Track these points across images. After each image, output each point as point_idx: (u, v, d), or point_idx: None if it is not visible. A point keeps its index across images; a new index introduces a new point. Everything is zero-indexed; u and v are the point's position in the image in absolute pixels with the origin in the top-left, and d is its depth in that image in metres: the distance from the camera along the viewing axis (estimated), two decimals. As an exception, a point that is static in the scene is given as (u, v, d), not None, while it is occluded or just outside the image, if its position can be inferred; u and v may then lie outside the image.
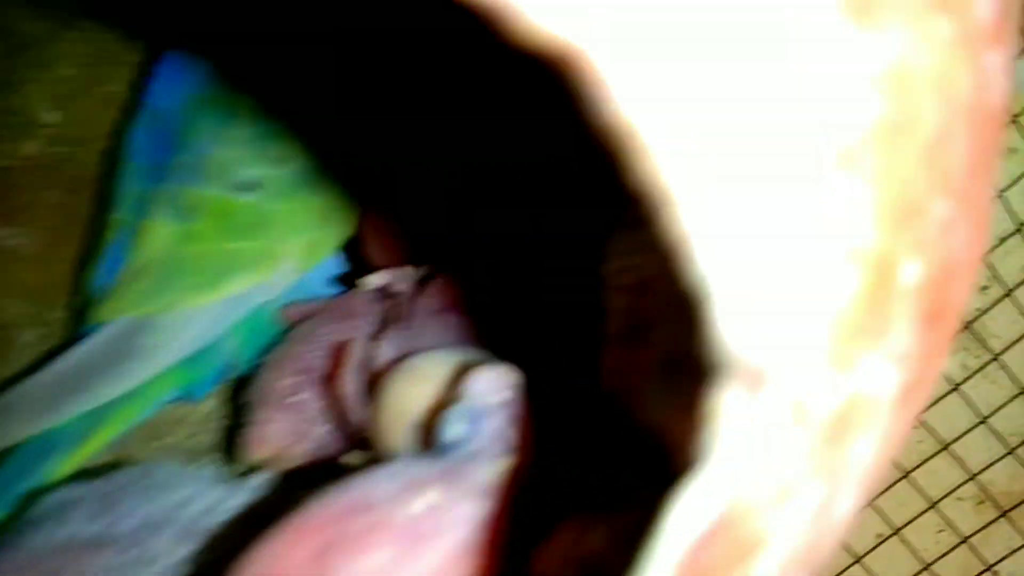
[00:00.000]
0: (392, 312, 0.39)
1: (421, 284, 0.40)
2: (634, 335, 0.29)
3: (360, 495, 0.24)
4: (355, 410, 0.35)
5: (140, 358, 0.44)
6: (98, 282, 0.47)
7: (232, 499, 0.34)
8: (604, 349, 0.30)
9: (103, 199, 0.50)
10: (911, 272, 0.14)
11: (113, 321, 0.45)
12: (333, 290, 0.50)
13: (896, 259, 0.14)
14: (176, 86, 0.48)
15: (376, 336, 0.38)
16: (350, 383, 0.36)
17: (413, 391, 0.31)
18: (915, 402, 0.17)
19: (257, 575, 0.23)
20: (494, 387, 0.27)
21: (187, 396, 0.48)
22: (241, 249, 0.45)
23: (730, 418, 0.12)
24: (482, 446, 0.26)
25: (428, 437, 0.28)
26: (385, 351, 0.37)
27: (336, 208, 0.47)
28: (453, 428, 0.26)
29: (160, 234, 0.45)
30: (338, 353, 0.38)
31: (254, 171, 0.45)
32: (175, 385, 0.46)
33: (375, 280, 0.40)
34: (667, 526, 0.13)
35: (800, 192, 0.13)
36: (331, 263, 0.49)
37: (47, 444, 0.43)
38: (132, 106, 0.52)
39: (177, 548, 0.31)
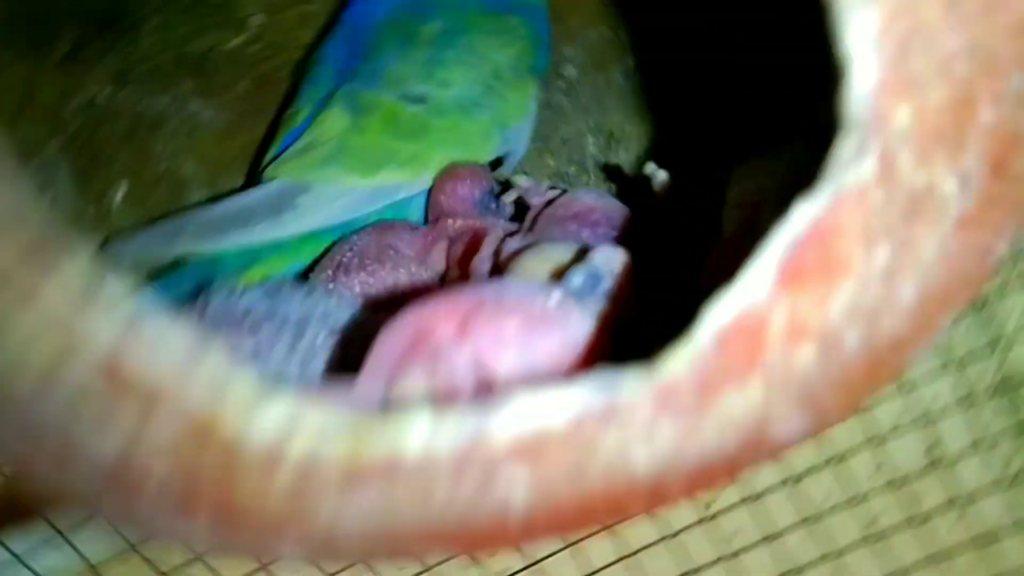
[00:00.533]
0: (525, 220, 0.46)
1: (550, 202, 0.47)
2: (740, 242, 0.34)
3: (497, 289, 0.30)
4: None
5: (296, 214, 0.51)
6: (275, 155, 0.55)
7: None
8: (711, 252, 0.36)
9: (292, 97, 0.58)
10: (987, 115, 0.20)
11: (280, 179, 0.52)
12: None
13: (978, 96, 0.19)
14: (373, 8, 0.57)
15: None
16: (485, 263, 0.42)
17: (539, 268, 0.37)
18: (969, 244, 0.22)
19: (409, 328, 0.30)
20: (611, 260, 0.33)
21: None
22: (399, 148, 0.53)
23: (843, 160, 0.18)
24: (597, 299, 0.31)
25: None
26: (514, 244, 0.44)
27: (479, 134, 0.55)
28: (575, 279, 0.32)
29: (335, 122, 0.53)
30: (474, 239, 0.45)
31: (423, 88, 0.53)
32: (320, 249, 0.54)
33: (520, 182, 0.47)
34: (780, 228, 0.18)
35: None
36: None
37: (208, 271, 0.51)
38: (331, 21, 0.61)
39: (326, 339, 0.38)
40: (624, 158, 0.63)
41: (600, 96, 0.64)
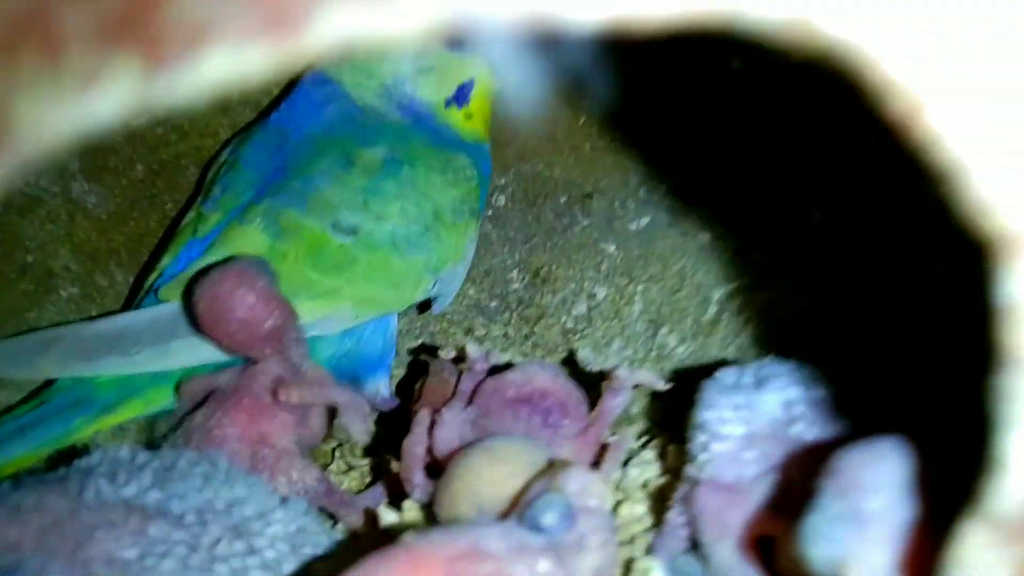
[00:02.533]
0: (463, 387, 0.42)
1: (495, 369, 0.43)
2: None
3: (473, 542, 0.26)
4: (415, 471, 0.38)
5: (185, 344, 0.45)
6: (173, 267, 0.48)
7: (280, 512, 0.35)
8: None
9: (197, 197, 0.52)
10: None
11: (173, 302, 0.46)
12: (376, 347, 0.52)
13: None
14: (309, 119, 0.51)
15: (442, 407, 0.41)
16: (418, 446, 0.38)
17: (491, 473, 0.34)
18: None
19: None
20: (587, 490, 0.30)
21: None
22: (316, 281, 0.47)
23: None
24: (578, 539, 0.28)
25: (513, 513, 0.31)
26: (450, 424, 0.40)
27: (409, 275, 0.50)
28: (550, 515, 0.28)
29: (250, 241, 0.47)
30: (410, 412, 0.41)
31: (355, 218, 0.48)
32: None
33: (471, 351, 0.43)
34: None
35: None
36: (381, 323, 0.52)
37: (81, 399, 0.43)
38: (255, 119, 0.56)
39: (226, 543, 0.32)
40: (549, 300, 0.60)
41: (528, 231, 0.62)
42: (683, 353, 0.55)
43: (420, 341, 0.62)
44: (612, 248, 0.59)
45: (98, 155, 0.54)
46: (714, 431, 0.31)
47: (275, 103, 0.55)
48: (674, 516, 0.32)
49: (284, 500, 0.36)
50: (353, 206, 0.48)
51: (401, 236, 0.49)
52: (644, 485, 0.39)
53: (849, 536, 0.25)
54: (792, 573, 0.28)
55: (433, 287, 0.51)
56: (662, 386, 0.41)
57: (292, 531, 0.35)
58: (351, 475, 0.51)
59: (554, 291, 0.61)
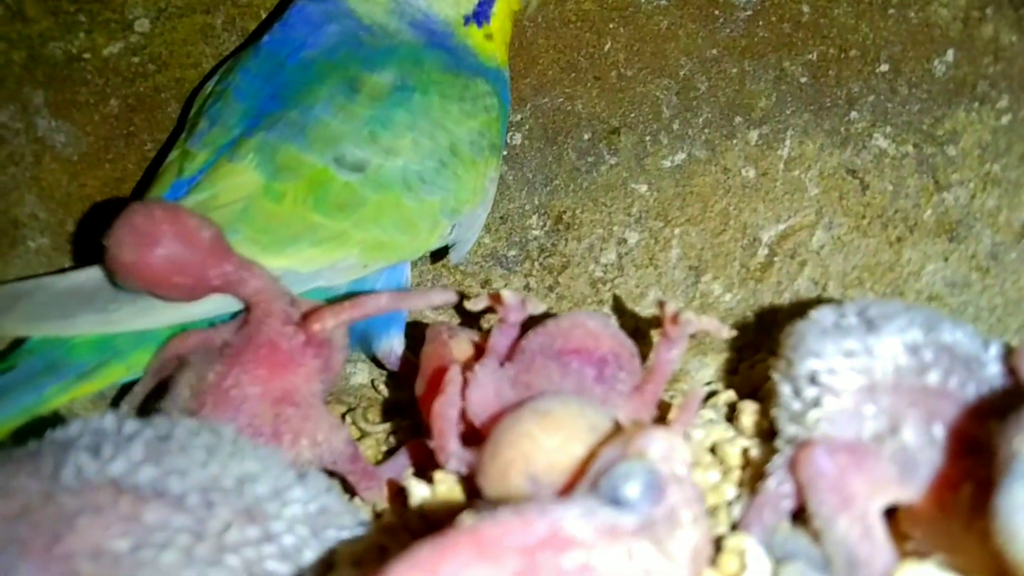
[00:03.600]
0: (496, 342, 0.36)
1: (531, 321, 0.38)
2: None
3: (553, 526, 0.21)
4: (449, 437, 0.32)
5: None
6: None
7: (298, 489, 0.29)
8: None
9: (181, 132, 0.46)
10: None
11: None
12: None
13: None
14: (306, 40, 0.45)
15: (472, 363, 0.35)
16: (453, 407, 0.33)
17: (547, 439, 0.28)
18: None
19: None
20: (672, 454, 0.25)
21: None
22: (320, 224, 0.41)
23: None
24: (670, 513, 0.23)
25: (580, 486, 0.26)
26: (487, 375, 0.34)
27: (424, 218, 0.44)
28: (632, 485, 0.23)
29: (242, 179, 0.41)
30: (437, 374, 0.35)
31: (362, 152, 0.42)
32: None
33: (484, 301, 0.37)
34: None
35: None
36: (394, 273, 0.46)
37: (54, 363, 0.37)
38: (243, 44, 0.49)
39: (238, 528, 0.27)
40: (574, 248, 0.55)
41: (549, 173, 0.56)
42: (730, 301, 0.50)
43: (432, 295, 0.56)
44: (644, 188, 0.54)
45: (66, 87, 0.47)
46: (826, 383, 0.26)
47: (265, 26, 0.48)
48: (773, 484, 0.27)
49: (301, 475, 0.30)
50: (359, 139, 0.42)
51: (413, 173, 0.43)
52: (712, 449, 0.34)
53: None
54: (945, 548, 0.23)
55: (450, 233, 0.46)
56: (727, 333, 0.36)
57: (312, 512, 0.29)
58: (365, 443, 0.45)
59: (579, 237, 0.55)
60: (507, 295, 0.36)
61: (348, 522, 0.31)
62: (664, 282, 0.52)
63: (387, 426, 0.47)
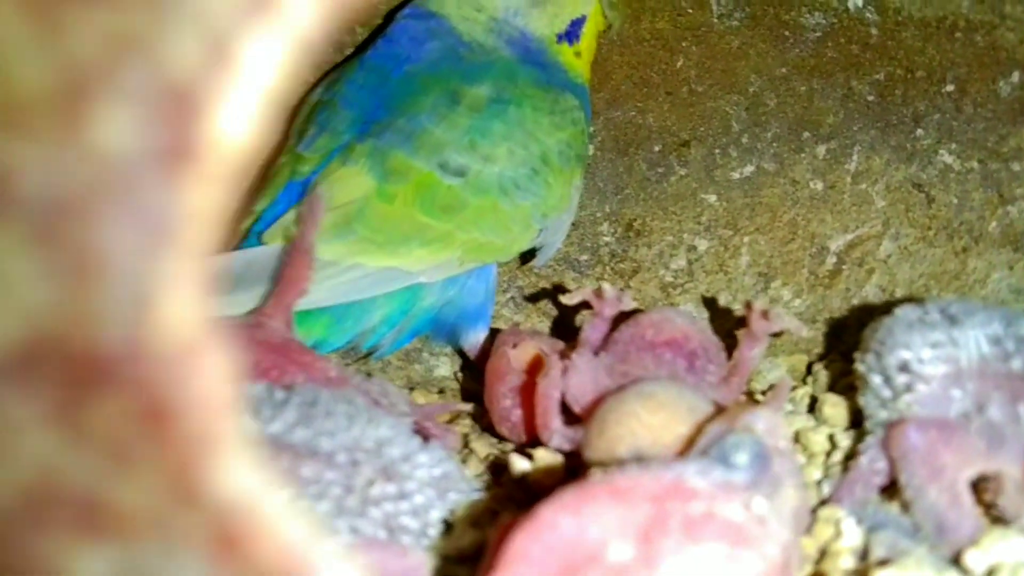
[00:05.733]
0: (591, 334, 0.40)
1: (626, 315, 0.41)
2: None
3: (678, 478, 0.24)
4: (553, 416, 0.36)
5: None
6: (274, 210, 0.46)
7: (423, 454, 0.33)
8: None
9: (295, 136, 0.49)
10: None
11: (275, 244, 0.44)
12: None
13: None
14: (408, 53, 0.49)
15: (568, 352, 0.39)
16: (554, 389, 0.36)
17: (650, 418, 0.31)
18: None
19: (558, 535, 0.23)
20: (776, 430, 0.28)
21: (313, 347, 0.46)
22: (427, 225, 0.45)
23: None
24: (775, 481, 0.26)
25: (696, 452, 0.29)
26: (584, 363, 0.37)
27: (518, 221, 0.48)
28: (742, 454, 0.26)
29: (356, 183, 0.45)
30: (539, 362, 0.38)
31: (463, 159, 0.46)
32: (308, 329, 0.45)
33: (582, 294, 0.40)
34: None
35: None
36: (484, 272, 0.50)
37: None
38: (349, 58, 0.53)
39: (378, 485, 0.30)
40: (645, 254, 0.58)
41: (620, 182, 0.59)
42: (799, 306, 0.53)
43: (509, 295, 0.60)
44: (713, 198, 0.57)
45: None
46: (916, 371, 0.29)
47: (368, 41, 0.52)
48: (865, 462, 0.30)
49: (424, 442, 0.34)
50: (460, 147, 0.46)
51: (509, 179, 0.47)
52: (796, 437, 0.37)
53: None
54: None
55: (538, 237, 0.49)
56: (806, 332, 0.39)
57: (437, 476, 0.33)
58: (457, 423, 0.49)
59: (649, 244, 0.58)
60: (607, 288, 0.39)
61: (465, 487, 0.34)
62: (734, 287, 0.55)
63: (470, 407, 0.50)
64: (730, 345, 0.41)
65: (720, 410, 0.32)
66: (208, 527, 0.13)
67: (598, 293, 0.40)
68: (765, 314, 0.37)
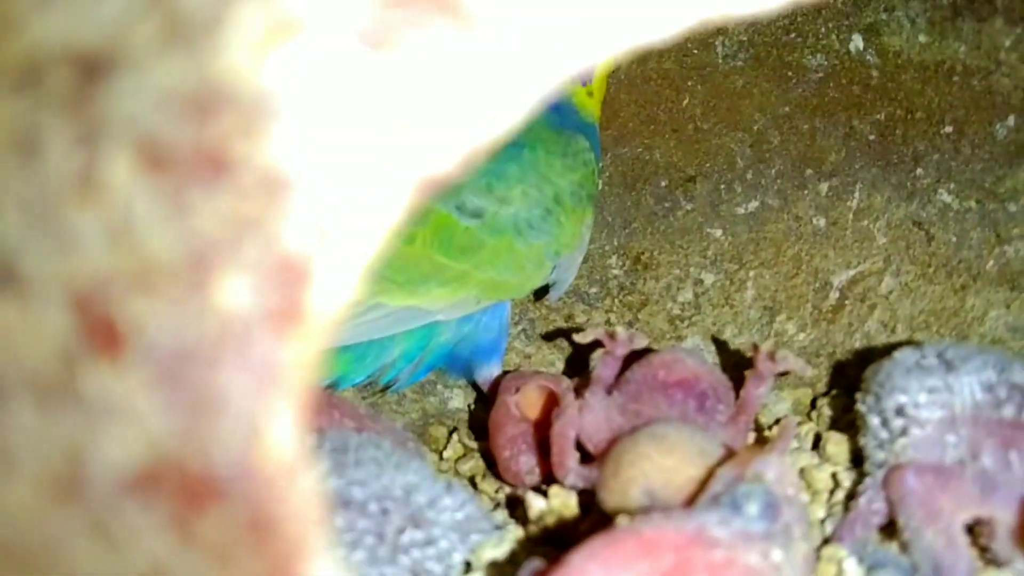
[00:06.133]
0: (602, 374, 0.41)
1: (638, 354, 0.42)
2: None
3: (699, 528, 0.25)
4: (568, 455, 0.37)
5: None
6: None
7: (447, 498, 0.34)
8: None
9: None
10: None
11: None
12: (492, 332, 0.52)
13: None
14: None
15: (582, 390, 0.40)
16: (570, 427, 0.37)
17: (664, 460, 0.33)
18: None
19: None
20: (784, 479, 0.29)
21: (333, 384, 0.48)
22: (446, 266, 0.47)
23: None
24: (786, 529, 0.27)
25: (701, 502, 0.30)
26: (597, 400, 0.39)
27: (532, 260, 0.50)
28: (754, 505, 0.28)
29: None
30: (549, 400, 0.40)
31: (480, 201, 0.48)
32: (330, 366, 0.47)
33: (595, 335, 0.42)
34: None
35: None
36: (498, 309, 0.52)
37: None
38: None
39: (408, 532, 0.31)
40: (652, 287, 0.59)
41: (627, 216, 0.61)
42: (804, 340, 0.54)
43: (520, 328, 0.61)
44: (718, 233, 0.58)
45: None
46: (911, 415, 0.31)
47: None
48: (864, 502, 0.31)
49: (448, 485, 0.35)
50: (477, 189, 0.48)
51: (523, 220, 0.49)
52: (800, 474, 0.38)
53: None
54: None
55: (551, 274, 0.51)
56: (809, 372, 0.40)
57: (460, 519, 0.34)
58: (470, 458, 0.50)
59: (656, 277, 0.60)
60: (620, 331, 0.41)
61: (486, 527, 0.35)
62: (740, 321, 0.56)
63: (479, 444, 0.52)
64: (735, 378, 0.43)
65: (730, 453, 0.33)
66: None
67: (611, 335, 0.41)
68: (772, 355, 0.38)
